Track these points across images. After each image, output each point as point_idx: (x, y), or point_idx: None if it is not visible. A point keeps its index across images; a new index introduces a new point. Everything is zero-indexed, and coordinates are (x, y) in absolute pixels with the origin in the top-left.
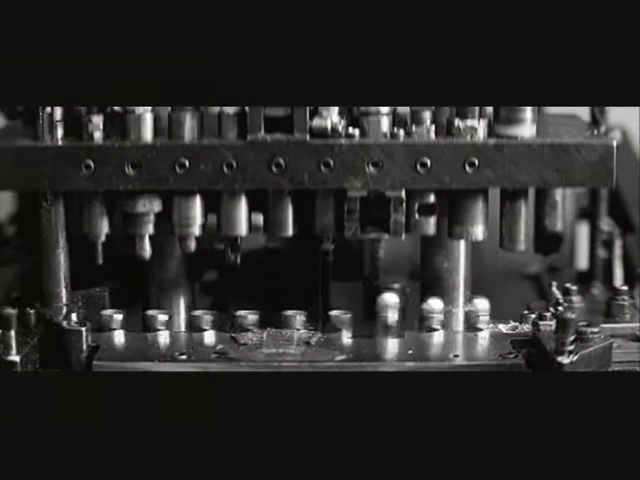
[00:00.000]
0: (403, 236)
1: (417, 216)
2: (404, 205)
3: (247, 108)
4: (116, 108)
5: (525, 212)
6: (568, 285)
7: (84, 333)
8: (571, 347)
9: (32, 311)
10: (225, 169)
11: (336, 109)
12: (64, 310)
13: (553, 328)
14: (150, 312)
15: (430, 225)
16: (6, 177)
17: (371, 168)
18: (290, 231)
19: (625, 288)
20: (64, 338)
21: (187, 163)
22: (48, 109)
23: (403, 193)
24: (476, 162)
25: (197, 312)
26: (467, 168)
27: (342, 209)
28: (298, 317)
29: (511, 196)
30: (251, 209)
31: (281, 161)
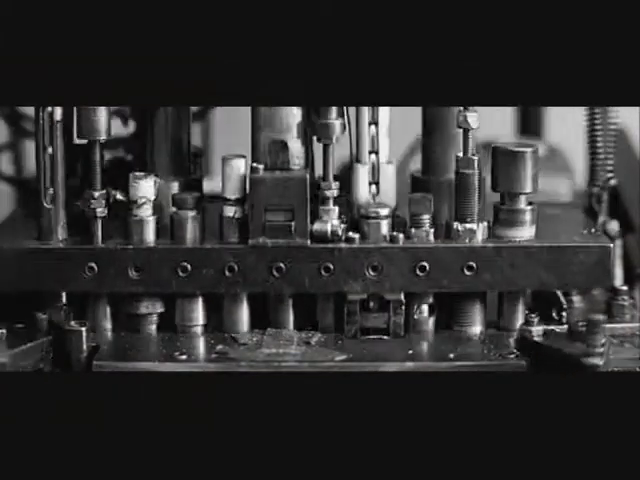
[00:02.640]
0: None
1: (416, 317)
2: (403, 307)
3: (249, 214)
4: (119, 197)
5: (522, 311)
6: None
7: (84, 333)
8: (602, 349)
9: (43, 316)
10: (227, 273)
11: (336, 214)
12: (64, 311)
13: (557, 330)
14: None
15: (429, 325)
16: (8, 278)
17: (370, 272)
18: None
19: (625, 288)
20: (64, 338)
21: (189, 267)
22: (49, 109)
23: (402, 296)
24: (474, 265)
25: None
26: (465, 271)
27: (342, 309)
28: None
29: (509, 295)
30: (253, 311)
31: (282, 265)
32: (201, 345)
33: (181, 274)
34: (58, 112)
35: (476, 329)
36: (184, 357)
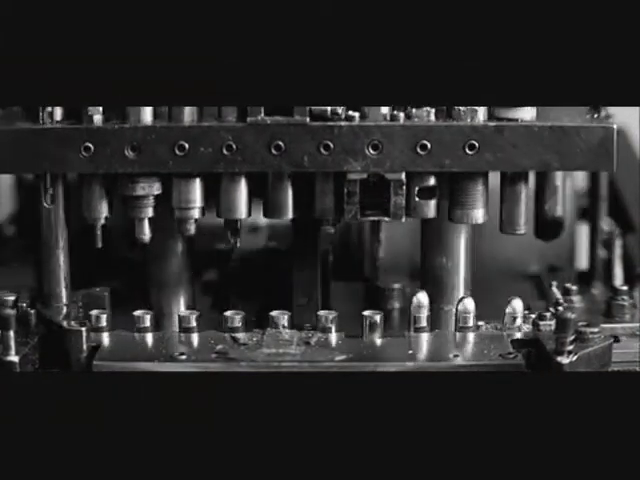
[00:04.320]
0: (403, 219)
1: (417, 199)
2: (404, 188)
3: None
4: None
5: (525, 195)
6: (568, 285)
7: (84, 333)
8: (571, 347)
9: (32, 311)
10: (225, 151)
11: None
12: (64, 310)
13: (553, 328)
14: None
15: (430, 208)
16: (5, 160)
17: (371, 151)
18: (290, 214)
19: (625, 288)
20: (64, 338)
21: (186, 146)
22: (49, 109)
23: (403, 176)
24: (476, 145)
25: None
26: (467, 151)
27: (342, 192)
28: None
29: (511, 179)
30: (251, 194)
31: (281, 143)
32: (201, 345)
33: (178, 153)
34: (58, 112)
35: (478, 212)
36: (184, 357)
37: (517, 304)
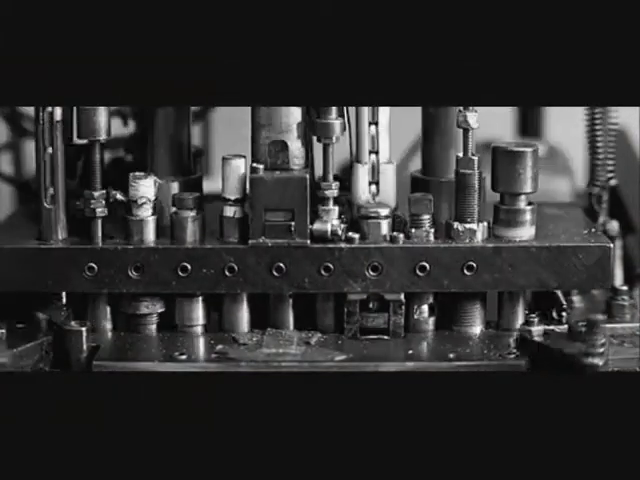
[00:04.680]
0: (402, 336)
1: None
2: (403, 308)
3: (249, 214)
4: (119, 197)
5: (522, 311)
6: None
7: (84, 333)
8: (602, 349)
9: (43, 316)
10: (227, 273)
11: (336, 214)
12: (64, 311)
13: (557, 330)
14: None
15: (429, 326)
16: (9, 277)
17: (371, 272)
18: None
19: (625, 288)
20: (64, 338)
21: (189, 267)
22: (49, 109)
23: (402, 296)
24: (474, 265)
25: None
26: (465, 271)
27: (342, 310)
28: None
29: (509, 294)
30: (253, 312)
31: (282, 265)
32: (201, 345)
33: (181, 274)
34: (58, 112)
35: (476, 329)
36: (184, 357)
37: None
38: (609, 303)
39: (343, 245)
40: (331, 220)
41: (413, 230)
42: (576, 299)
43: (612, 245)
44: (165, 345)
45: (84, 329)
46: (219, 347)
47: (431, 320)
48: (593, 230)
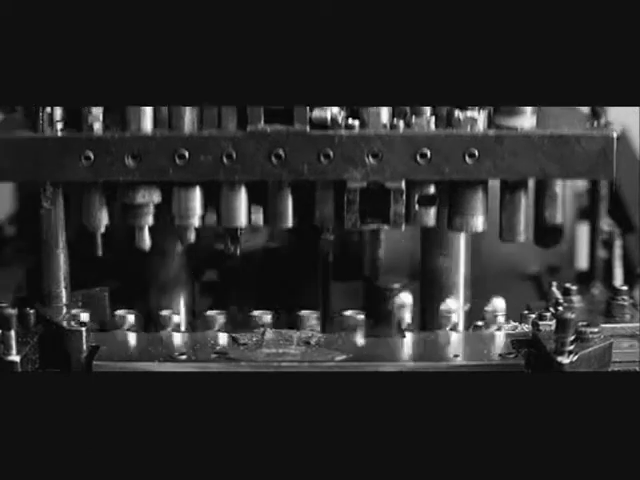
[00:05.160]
0: (403, 227)
1: (417, 207)
2: (404, 196)
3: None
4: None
5: (525, 203)
6: (568, 285)
7: (84, 333)
8: (571, 347)
9: (32, 311)
10: (225, 160)
11: None
12: (64, 310)
13: (553, 328)
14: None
15: (430, 216)
16: (5, 168)
17: (371, 159)
18: (290, 222)
19: (625, 288)
20: (64, 338)
21: (187, 154)
22: (48, 109)
23: (403, 184)
24: (476, 153)
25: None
26: (467, 159)
27: (342, 200)
28: (309, 317)
29: (511, 187)
30: (251, 201)
31: (281, 152)
32: (201, 345)
33: (178, 162)
34: (58, 112)
35: (478, 220)
36: (184, 357)
37: (499, 303)
38: (609, 303)
39: (343, 132)
40: (331, 107)
41: (414, 118)
42: (576, 299)
43: (615, 134)
44: (165, 345)
45: (84, 329)
46: (219, 347)
47: (432, 211)
48: (595, 125)
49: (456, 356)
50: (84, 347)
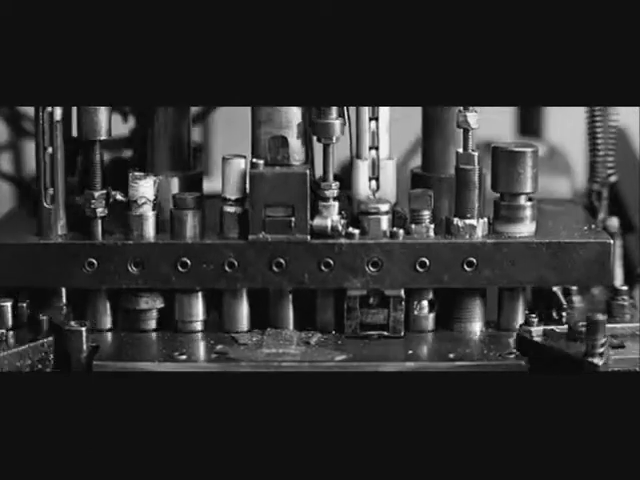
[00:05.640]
0: (402, 333)
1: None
2: (403, 304)
3: (249, 210)
4: (119, 197)
5: (522, 311)
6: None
7: (84, 333)
8: (602, 349)
9: (45, 317)
10: (226, 268)
11: (336, 209)
12: (64, 310)
13: (557, 330)
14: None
15: (429, 322)
16: (8, 273)
17: (371, 268)
18: (291, 327)
19: (625, 288)
20: (64, 338)
21: (189, 262)
22: (49, 109)
23: (402, 292)
24: (474, 261)
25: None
26: (466, 267)
27: (342, 306)
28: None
29: (509, 291)
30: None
31: (282, 261)
32: (201, 345)
33: (181, 269)
34: (58, 112)
35: (476, 326)
36: (184, 357)
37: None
38: (609, 303)
39: (343, 241)
40: (331, 216)
41: (413, 226)
42: (576, 299)
43: (612, 241)
44: (165, 345)
45: (84, 329)
46: (219, 347)
47: (431, 316)
48: (593, 226)
49: (456, 356)
50: (84, 347)
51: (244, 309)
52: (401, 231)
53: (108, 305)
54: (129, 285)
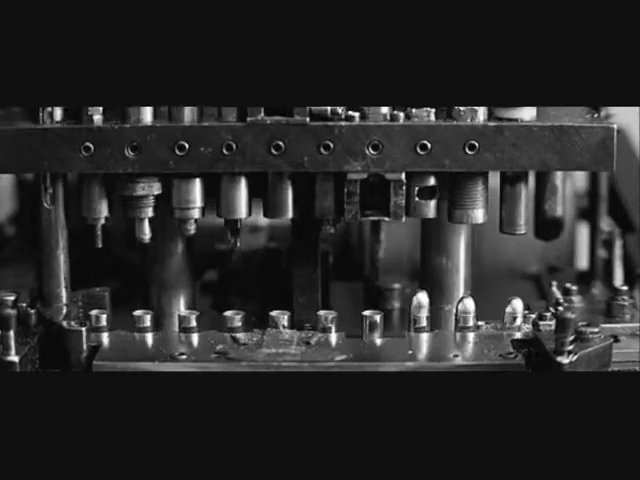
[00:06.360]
0: (403, 219)
1: (417, 199)
2: (404, 188)
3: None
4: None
5: (525, 195)
6: (568, 285)
7: (84, 333)
8: (570, 347)
9: (32, 311)
10: (225, 151)
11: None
12: (64, 310)
13: (553, 328)
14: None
15: (430, 208)
16: (4, 160)
17: (371, 151)
18: (290, 214)
19: (625, 288)
20: (64, 338)
21: (186, 145)
22: (48, 109)
23: (403, 176)
24: (476, 145)
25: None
26: (467, 151)
27: (342, 192)
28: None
29: (511, 179)
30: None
31: (281, 143)
32: (201, 345)
33: (178, 153)
34: (58, 112)
35: (479, 212)
36: (184, 357)
37: (517, 304)
38: (609, 303)
39: (343, 123)
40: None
41: (414, 110)
42: (576, 299)
43: (615, 126)
44: (165, 345)
45: (84, 329)
46: (219, 347)
47: (432, 203)
48: (596, 116)
49: (456, 356)
50: (84, 347)
51: (243, 194)
52: (402, 114)
53: (104, 192)
54: (126, 170)
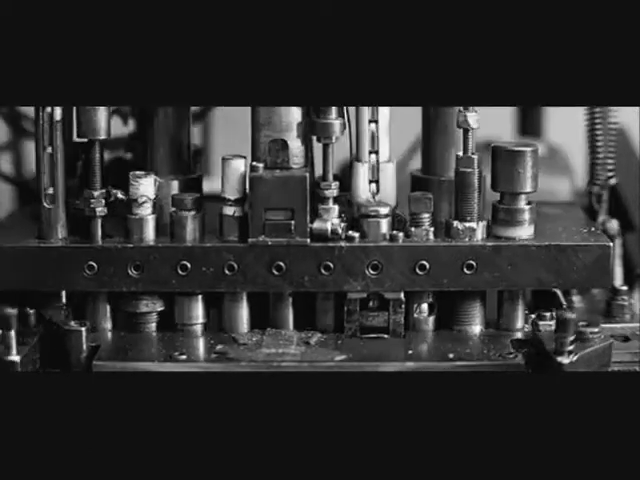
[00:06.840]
0: (403, 336)
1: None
2: (403, 307)
3: (249, 213)
4: (119, 196)
5: (522, 311)
6: None
7: (84, 333)
8: (571, 347)
9: (32, 311)
10: (226, 271)
11: (336, 212)
12: (64, 310)
13: (553, 328)
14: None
15: (429, 325)
16: (9, 276)
17: (371, 271)
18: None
19: (625, 288)
20: (64, 338)
21: (189, 265)
22: (48, 109)
23: (402, 295)
24: (474, 264)
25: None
26: (465, 270)
27: (342, 309)
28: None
29: (509, 295)
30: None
31: (281, 264)
32: (201, 345)
33: (181, 272)
34: (58, 112)
35: (476, 328)
36: (184, 357)
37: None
38: (609, 303)
39: (343, 244)
40: (331, 219)
41: (413, 229)
42: (576, 299)
43: (612, 244)
44: (165, 345)
45: (84, 329)
46: (219, 347)
47: (431, 319)
48: (593, 229)
49: (456, 356)
50: (84, 347)
51: (244, 312)
52: (401, 234)
53: (108, 308)
54: (129, 288)
